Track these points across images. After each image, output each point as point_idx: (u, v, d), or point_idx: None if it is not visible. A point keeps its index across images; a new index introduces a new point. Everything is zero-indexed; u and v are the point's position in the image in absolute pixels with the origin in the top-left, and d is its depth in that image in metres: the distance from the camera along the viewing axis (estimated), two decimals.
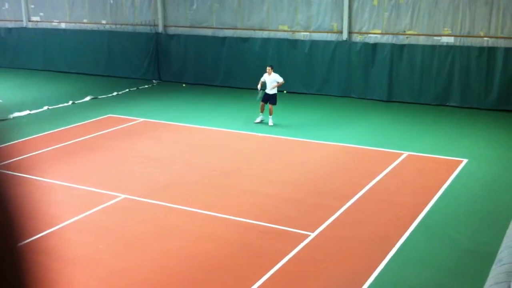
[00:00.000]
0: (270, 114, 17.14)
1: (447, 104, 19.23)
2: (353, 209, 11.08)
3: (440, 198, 11.56)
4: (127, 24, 25.38)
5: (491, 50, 18.50)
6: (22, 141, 15.80)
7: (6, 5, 28.80)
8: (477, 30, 18.91)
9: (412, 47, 19.66)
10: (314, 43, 21.19)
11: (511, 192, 11.84)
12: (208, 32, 23.40)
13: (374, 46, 20.18)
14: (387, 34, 20.24)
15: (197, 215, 10.90)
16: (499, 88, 18.48)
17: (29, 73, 26.71)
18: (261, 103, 17.23)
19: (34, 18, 28.10)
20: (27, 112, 19.15)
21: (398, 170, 13.29)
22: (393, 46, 19.90)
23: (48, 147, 15.27)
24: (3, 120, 18.20)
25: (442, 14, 19.28)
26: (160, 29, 24.49)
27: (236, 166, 13.69)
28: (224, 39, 22.83)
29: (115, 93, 22.09)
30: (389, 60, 19.96)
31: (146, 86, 23.53)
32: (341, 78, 20.85)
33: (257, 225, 10.40)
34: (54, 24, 27.45)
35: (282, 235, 10.02)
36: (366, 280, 8.42)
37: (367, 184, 12.26)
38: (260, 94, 17.14)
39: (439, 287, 8.45)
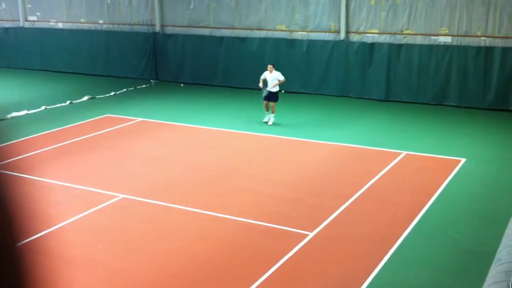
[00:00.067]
0: (272, 112, 17.17)
1: (445, 103, 19.25)
2: (352, 209, 11.09)
3: (438, 197, 11.57)
4: (124, 24, 25.35)
5: (489, 50, 18.53)
6: (20, 141, 15.78)
7: (3, 5, 28.74)
8: (474, 30, 18.93)
9: (409, 46, 19.67)
10: (311, 43, 21.19)
11: (509, 191, 11.85)
12: (206, 32, 23.39)
13: (372, 45, 20.20)
14: (384, 33, 20.25)
15: (196, 215, 10.89)
16: (497, 87, 18.50)
17: (26, 73, 26.66)
18: (265, 102, 17.27)
19: (31, 18, 28.06)
20: (25, 112, 19.12)
21: (397, 169, 13.29)
22: (391, 45, 19.91)
23: (46, 147, 15.25)
24: (1, 120, 18.17)
25: (439, 14, 19.29)
26: (158, 28, 24.47)
27: (235, 166, 13.68)
28: (221, 38, 22.82)
29: (112, 93, 22.06)
30: (387, 59, 19.97)
31: (143, 85, 23.51)
32: (338, 77, 20.85)
33: (256, 225, 10.39)
34: (51, 24, 27.41)
35: (281, 234, 10.02)
36: (365, 280, 8.43)
37: (366, 184, 12.26)
38: (264, 93, 17.18)
39: (438, 286, 8.46)
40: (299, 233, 9.99)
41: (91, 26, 26.13)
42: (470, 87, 18.88)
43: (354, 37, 20.76)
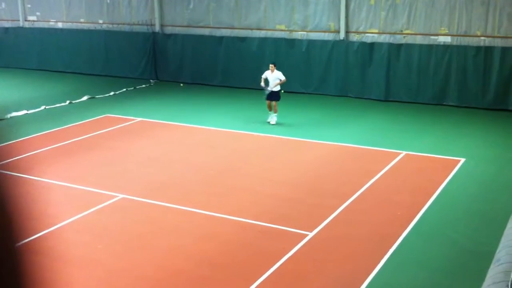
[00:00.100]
0: (275, 112, 17.19)
1: (444, 103, 19.25)
2: (352, 209, 11.09)
3: (438, 197, 11.58)
4: (124, 24, 25.35)
5: (488, 50, 18.53)
6: (20, 141, 15.78)
7: (3, 5, 28.74)
8: (473, 30, 18.94)
9: (409, 46, 19.68)
10: (311, 43, 21.20)
11: (508, 191, 11.86)
12: (205, 32, 23.39)
13: (371, 45, 20.20)
14: (384, 33, 20.26)
15: (195, 214, 10.90)
16: (496, 87, 18.50)
17: (25, 72, 26.67)
18: (267, 102, 17.29)
19: (30, 18, 28.05)
20: (24, 112, 19.12)
21: (396, 169, 13.30)
22: (390, 45, 19.92)
23: (45, 147, 15.25)
24: (1, 120, 18.17)
25: (438, 14, 19.30)
26: (157, 28, 24.47)
27: (234, 166, 13.68)
28: (221, 38, 22.83)
29: (112, 93, 22.07)
30: (386, 59, 19.98)
31: (143, 85, 23.51)
32: (338, 77, 20.86)
33: (256, 225, 10.39)
34: (51, 24, 27.40)
35: (281, 234, 10.02)
36: (365, 280, 8.43)
37: (365, 184, 12.26)
38: (267, 92, 17.21)
39: (437, 286, 8.46)
40: (299, 233, 9.99)
41: (91, 26, 26.13)
42: (470, 87, 18.89)
43: (354, 37, 20.77)
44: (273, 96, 17.20)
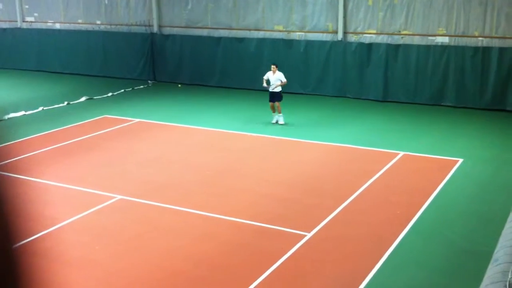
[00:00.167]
0: (279, 112, 17.24)
1: (442, 104, 19.27)
2: (350, 209, 11.10)
3: (435, 198, 11.59)
4: (122, 25, 25.34)
5: (486, 50, 18.55)
6: (18, 142, 15.76)
7: (0, 6, 28.71)
8: (471, 30, 18.96)
9: (407, 47, 19.70)
10: (309, 43, 21.21)
11: (506, 192, 11.87)
12: (203, 32, 23.39)
13: (369, 46, 20.22)
14: (382, 34, 20.28)
15: (193, 215, 10.89)
16: (494, 87, 18.53)
17: (23, 73, 26.64)
18: (270, 103, 17.30)
19: (28, 19, 28.03)
20: (22, 112, 19.10)
21: (394, 170, 13.31)
22: (388, 46, 19.93)
23: (44, 148, 15.24)
24: None
25: (436, 14, 19.32)
26: (155, 29, 24.46)
27: (232, 166, 13.68)
28: (219, 39, 22.83)
29: (110, 94, 22.05)
30: (384, 60, 19.99)
31: (141, 86, 23.50)
32: (336, 78, 20.87)
33: (254, 225, 10.40)
34: (49, 25, 27.38)
35: (279, 235, 10.03)
36: (363, 280, 8.44)
37: (363, 184, 12.27)
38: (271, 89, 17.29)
39: (436, 287, 8.47)
40: (297, 233, 9.99)
41: (89, 27, 26.11)
42: (468, 88, 18.91)
43: (352, 38, 20.78)
44: (275, 97, 17.22)
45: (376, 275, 8.62)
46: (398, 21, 19.94)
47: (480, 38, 18.86)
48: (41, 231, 10.07)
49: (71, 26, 26.64)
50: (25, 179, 12.64)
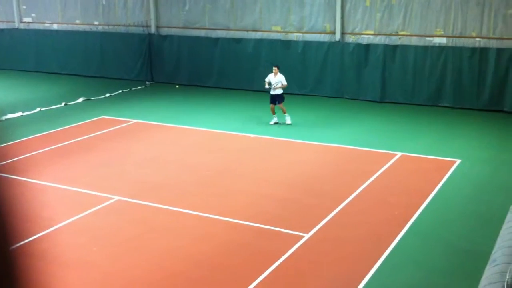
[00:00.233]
0: (284, 113, 17.27)
1: (440, 104, 19.28)
2: (348, 210, 11.10)
3: (433, 198, 11.60)
4: (119, 25, 25.32)
5: (483, 51, 18.57)
6: (15, 143, 15.73)
7: None
8: (469, 31, 18.98)
9: (404, 48, 19.71)
10: (307, 44, 21.21)
11: (504, 192, 11.88)
12: (201, 33, 23.39)
13: (367, 47, 20.22)
14: (379, 35, 20.29)
15: (190, 216, 10.89)
16: (491, 88, 18.54)
17: (21, 74, 26.60)
18: (271, 105, 17.30)
19: (26, 19, 28.00)
20: (19, 113, 19.07)
21: (392, 170, 13.31)
22: (386, 47, 19.95)
23: (41, 149, 15.21)
24: None
25: (434, 15, 19.34)
26: (153, 30, 24.44)
27: (230, 167, 13.68)
28: (217, 40, 22.82)
29: (107, 95, 22.03)
30: (382, 61, 20.00)
31: (139, 87, 23.48)
32: (334, 79, 20.87)
33: (252, 226, 10.39)
34: (46, 25, 27.35)
35: (277, 236, 10.02)
36: (361, 281, 8.43)
37: (361, 185, 12.28)
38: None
39: (434, 287, 8.47)
40: (295, 234, 9.99)
41: (86, 27, 26.09)
42: (465, 88, 18.93)
43: (350, 38, 20.79)
44: (277, 98, 17.24)
45: (375, 275, 8.62)
46: (396, 22, 19.96)
47: (478, 39, 18.88)
48: (39, 233, 10.04)
49: (69, 27, 26.62)
50: (23, 180, 12.61)
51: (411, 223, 10.43)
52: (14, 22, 28.17)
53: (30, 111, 19.47)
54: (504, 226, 6.70)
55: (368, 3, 20.25)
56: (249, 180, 12.87)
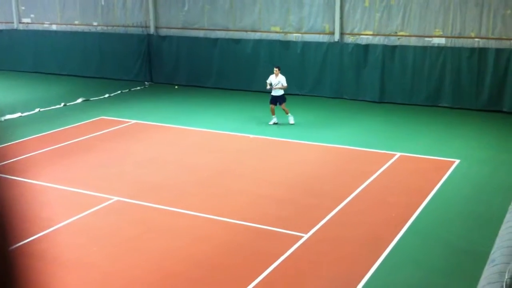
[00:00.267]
0: (287, 113, 17.28)
1: (439, 104, 19.30)
2: (347, 210, 11.10)
3: (432, 198, 11.60)
4: (118, 26, 25.31)
5: (482, 51, 18.58)
6: (15, 143, 15.72)
7: None
8: (468, 31, 18.99)
9: (403, 48, 19.72)
10: (306, 44, 21.21)
11: (502, 192, 11.88)
12: (200, 34, 23.39)
13: (366, 47, 20.23)
14: (378, 35, 20.30)
15: (190, 216, 10.89)
16: (490, 88, 18.55)
17: (20, 75, 26.59)
18: (271, 106, 17.30)
19: (25, 20, 27.98)
20: (18, 114, 19.06)
21: (391, 171, 13.32)
22: (385, 47, 19.96)
23: (40, 149, 15.21)
24: None
25: (433, 15, 19.35)
26: (152, 30, 24.44)
27: (229, 167, 13.68)
28: (216, 40, 22.82)
29: (107, 95, 22.03)
30: (381, 61, 20.01)
31: (138, 87, 23.48)
32: (333, 79, 20.88)
33: (251, 227, 10.39)
34: (45, 26, 27.34)
35: (276, 236, 10.02)
36: (360, 281, 8.44)
37: (361, 185, 12.28)
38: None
39: (433, 286, 8.48)
40: (294, 234, 9.99)
41: (85, 28, 26.08)
42: (464, 89, 18.94)
43: (349, 39, 20.79)
44: (278, 100, 17.25)
45: (374, 275, 8.63)
46: (395, 22, 19.97)
47: (477, 39, 18.89)
48: (38, 233, 10.04)
49: (68, 28, 26.61)
50: (22, 180, 12.61)
51: (410, 223, 10.44)
52: (13, 22, 28.15)
53: (29, 111, 19.46)
54: (503, 226, 6.70)
55: (367, 4, 20.26)
56: (248, 181, 12.87)
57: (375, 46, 20.12)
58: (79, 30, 26.18)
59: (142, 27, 24.52)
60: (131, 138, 16.23)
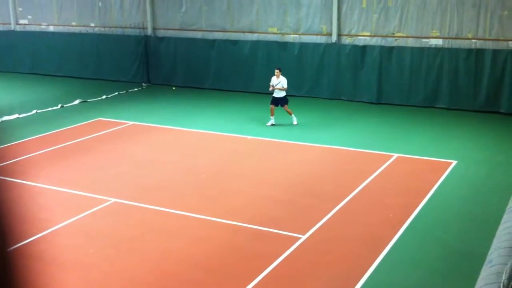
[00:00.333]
0: (290, 114, 17.35)
1: (436, 106, 19.33)
2: (345, 211, 11.11)
3: (430, 199, 11.62)
4: (116, 27, 25.30)
5: (479, 52, 18.62)
6: (12, 145, 15.70)
7: None
8: (465, 32, 19.03)
9: (401, 49, 19.75)
10: (303, 46, 21.23)
11: (499, 193, 11.90)
12: (198, 35, 23.39)
13: (363, 48, 20.25)
14: (376, 36, 20.32)
15: (188, 217, 10.89)
16: (487, 90, 18.59)
17: (17, 76, 26.55)
18: (271, 106, 17.32)
19: (22, 21, 27.94)
20: (16, 116, 19.03)
21: (388, 172, 13.33)
22: (382, 48, 19.98)
23: (38, 151, 15.19)
24: None
25: (430, 17, 19.38)
26: (149, 31, 24.43)
27: (226, 168, 13.68)
28: (213, 41, 22.83)
29: (104, 97, 22.01)
30: (378, 62, 20.03)
31: (135, 89, 23.47)
32: (330, 80, 20.89)
33: (248, 228, 10.40)
34: (42, 27, 27.31)
35: (273, 237, 10.03)
36: (357, 282, 8.45)
37: (358, 186, 12.29)
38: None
39: (431, 287, 8.49)
40: (292, 235, 9.99)
41: (82, 29, 26.06)
42: (461, 90, 18.97)
43: (346, 40, 20.81)
44: (280, 101, 17.28)
45: (372, 275, 8.64)
46: (392, 23, 19.99)
47: (474, 40, 18.93)
48: (36, 234, 10.03)
49: (65, 29, 26.59)
50: (20, 182, 12.59)
51: (407, 224, 10.45)
52: (10, 24, 28.11)
53: (26, 113, 19.44)
54: (500, 227, 6.72)
55: (364, 5, 20.28)
56: (246, 182, 12.87)
57: (372, 47, 20.15)
58: (76, 31, 26.16)
59: (139, 28, 24.51)
60: (128, 140, 16.22)
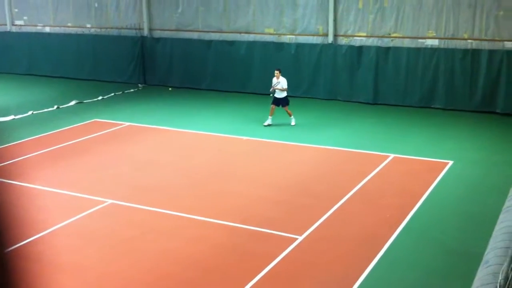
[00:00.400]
0: (290, 115, 17.34)
1: (432, 106, 19.36)
2: (341, 211, 11.12)
3: (426, 199, 11.64)
4: (112, 28, 25.26)
5: (475, 53, 18.66)
6: (8, 146, 15.67)
7: None
8: (461, 33, 19.07)
9: (397, 50, 19.78)
10: (300, 46, 21.24)
11: (496, 193, 11.92)
12: (194, 36, 23.38)
13: (360, 49, 20.28)
14: (372, 37, 20.35)
15: (184, 218, 10.88)
16: (483, 90, 18.63)
17: (13, 77, 26.48)
18: (272, 106, 17.33)
19: (18, 22, 27.89)
20: (12, 117, 18.99)
21: (385, 172, 13.35)
22: (378, 49, 20.01)
23: (34, 152, 15.16)
24: None
25: (426, 17, 19.42)
26: (146, 32, 24.41)
27: (223, 169, 13.68)
28: (210, 42, 22.83)
29: (100, 97, 21.98)
30: (375, 63, 20.06)
31: (131, 90, 23.44)
32: (326, 81, 20.91)
33: (245, 229, 10.40)
34: (38, 28, 27.26)
35: (270, 238, 10.03)
36: (354, 282, 8.46)
37: (354, 187, 12.31)
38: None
39: (428, 287, 8.50)
40: (288, 236, 10.00)
41: (78, 30, 26.02)
42: (457, 90, 19.01)
43: (342, 40, 20.84)
44: (281, 102, 17.31)
45: (369, 276, 8.65)
46: (388, 24, 20.02)
47: (470, 41, 18.97)
48: (33, 236, 10.02)
49: (61, 30, 26.55)
50: (16, 184, 12.56)
51: (404, 224, 10.47)
52: (6, 25, 28.05)
53: (22, 114, 19.39)
54: (497, 227, 6.73)
55: (360, 6, 20.31)
56: (242, 182, 12.88)
57: (368, 47, 20.17)
58: (73, 32, 26.12)
59: (135, 29, 24.49)
60: (125, 141, 16.20)
